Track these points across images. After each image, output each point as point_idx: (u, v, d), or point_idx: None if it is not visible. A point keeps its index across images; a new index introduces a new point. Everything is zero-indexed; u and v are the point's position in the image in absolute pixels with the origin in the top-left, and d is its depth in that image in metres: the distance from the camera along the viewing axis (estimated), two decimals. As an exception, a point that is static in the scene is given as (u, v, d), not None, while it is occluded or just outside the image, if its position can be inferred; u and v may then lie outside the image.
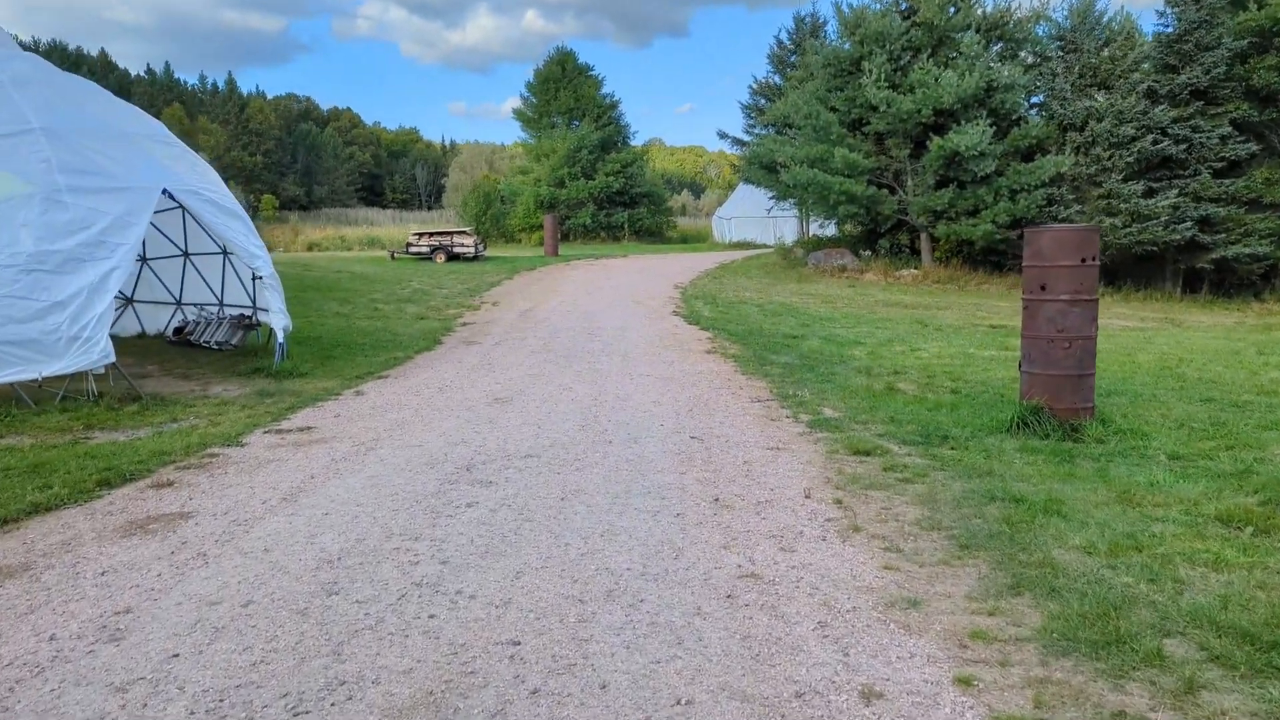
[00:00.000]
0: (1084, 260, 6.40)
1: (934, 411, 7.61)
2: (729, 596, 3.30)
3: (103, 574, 3.56)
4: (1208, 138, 20.65)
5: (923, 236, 23.32)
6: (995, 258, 22.97)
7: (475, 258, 26.01)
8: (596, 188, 38.94)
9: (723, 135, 33.16)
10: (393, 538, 3.98)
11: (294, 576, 3.50)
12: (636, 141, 44.94)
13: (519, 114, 42.57)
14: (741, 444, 6.14)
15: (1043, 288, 6.50)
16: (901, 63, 22.11)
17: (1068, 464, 5.50)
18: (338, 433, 6.45)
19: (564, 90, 41.31)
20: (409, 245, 26.17)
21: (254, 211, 43.41)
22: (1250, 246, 20.36)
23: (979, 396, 8.51)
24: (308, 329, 12.90)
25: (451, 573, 3.54)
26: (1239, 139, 20.76)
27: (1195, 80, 20.77)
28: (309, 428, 6.67)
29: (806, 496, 4.67)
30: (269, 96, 77.48)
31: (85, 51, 68.12)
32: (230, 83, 67.10)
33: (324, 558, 3.70)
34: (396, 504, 4.54)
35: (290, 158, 70.53)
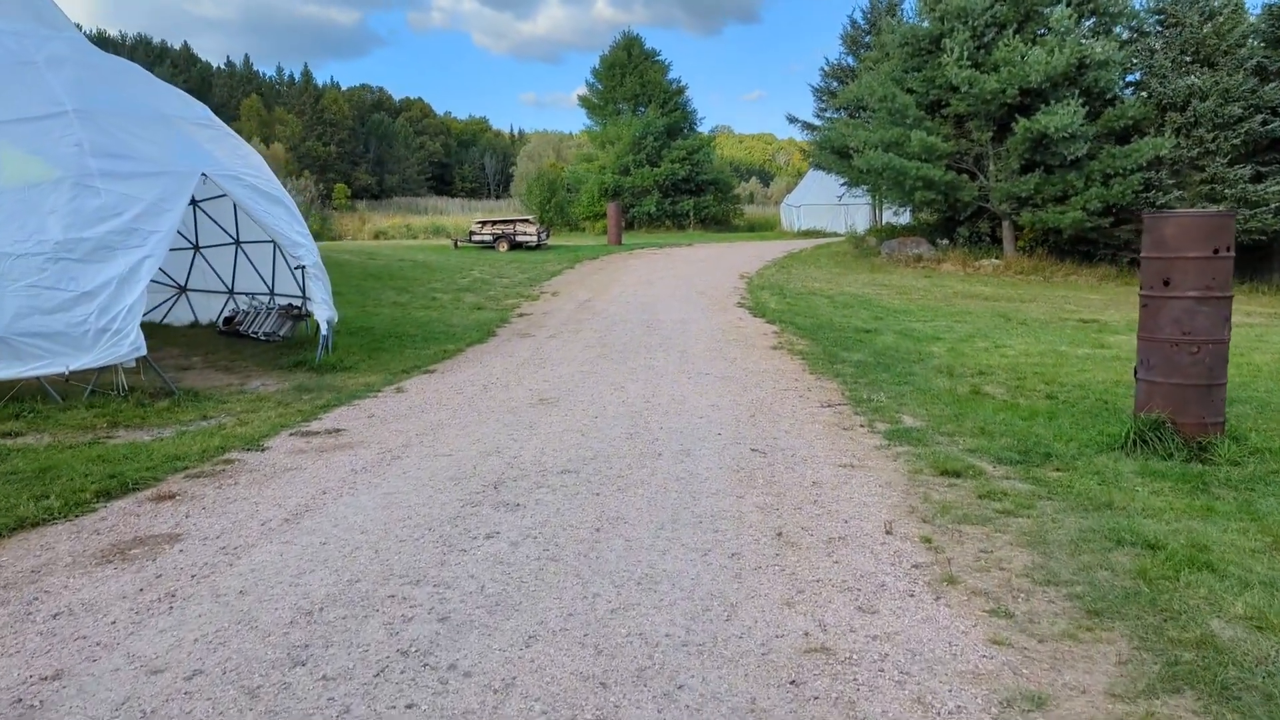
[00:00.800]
0: (1216, 251, 5.46)
1: (1029, 421, 6.73)
2: (793, 683, 2.60)
3: (56, 616, 3.08)
4: (1328, 116, 18.85)
5: (1004, 224, 21.95)
6: (1085, 247, 21.48)
7: (538, 246, 25.61)
8: (662, 175, 38.16)
9: (792, 120, 32.12)
10: (390, 580, 3.40)
11: (262, 634, 2.94)
12: (703, 128, 44.01)
13: (584, 101, 42.02)
14: (809, 459, 5.41)
15: (1166, 283, 5.58)
16: (985, 40, 20.76)
17: (1202, 494, 4.62)
18: (366, 437, 5.94)
19: (630, 76, 40.58)
20: (472, 234, 25.90)
21: (325, 200, 43.97)
22: (1376, 236, 18.53)
23: (1079, 403, 7.58)
24: (361, 319, 12.57)
25: (449, 635, 2.92)
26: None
27: (1315, 53, 18.96)
28: (338, 430, 6.18)
29: (888, 532, 3.93)
30: (343, 88, 78.77)
31: (169, 45, 70.20)
32: (306, 74, 68.42)
33: (304, 607, 3.14)
34: (406, 532, 3.96)
35: (363, 147, 71.58)
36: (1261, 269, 20.41)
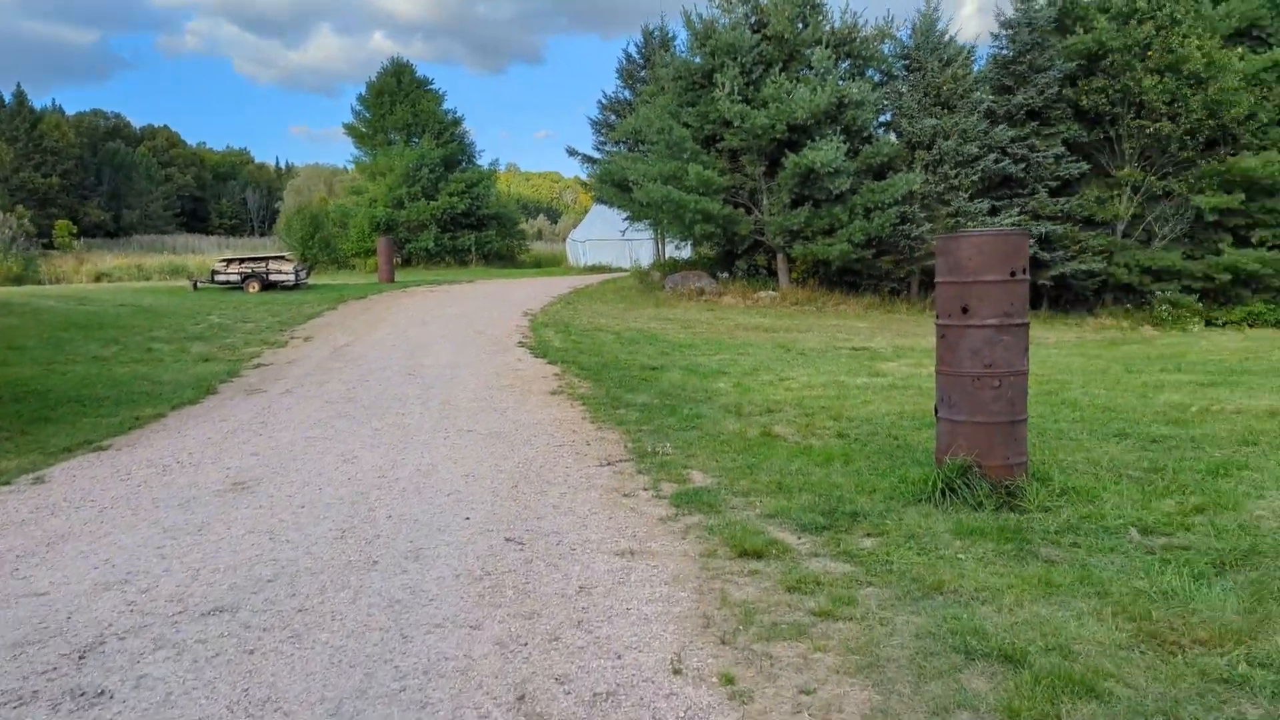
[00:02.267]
0: (1013, 274, 4.97)
1: (826, 468, 6.02)
2: None
3: None
4: (1043, 157, 20.83)
5: (779, 257, 22.43)
6: (851, 277, 22.36)
7: (296, 286, 23.07)
8: (439, 208, 36.32)
9: (572, 153, 31.57)
10: None
11: None
12: (485, 162, 42.64)
13: (351, 129, 39.33)
14: (580, 548, 4.28)
15: (964, 310, 5.02)
16: (754, 76, 21.20)
17: (1031, 558, 3.96)
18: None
19: (400, 104, 38.51)
20: (215, 273, 22.89)
21: (39, 239, 37.96)
22: (1085, 263, 20.59)
23: (870, 442, 7.05)
24: (40, 379, 10.06)
25: None
26: (1070, 159, 21.07)
27: (1030, 101, 20.94)
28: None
29: (676, 672, 2.85)
30: (69, 113, 69.70)
31: None
32: (19, 95, 59.59)
33: None
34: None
35: (95, 179, 63.42)
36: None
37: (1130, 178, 20.58)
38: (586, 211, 50.17)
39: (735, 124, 20.75)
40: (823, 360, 13.12)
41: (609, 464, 6.13)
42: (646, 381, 10.16)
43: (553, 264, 42.84)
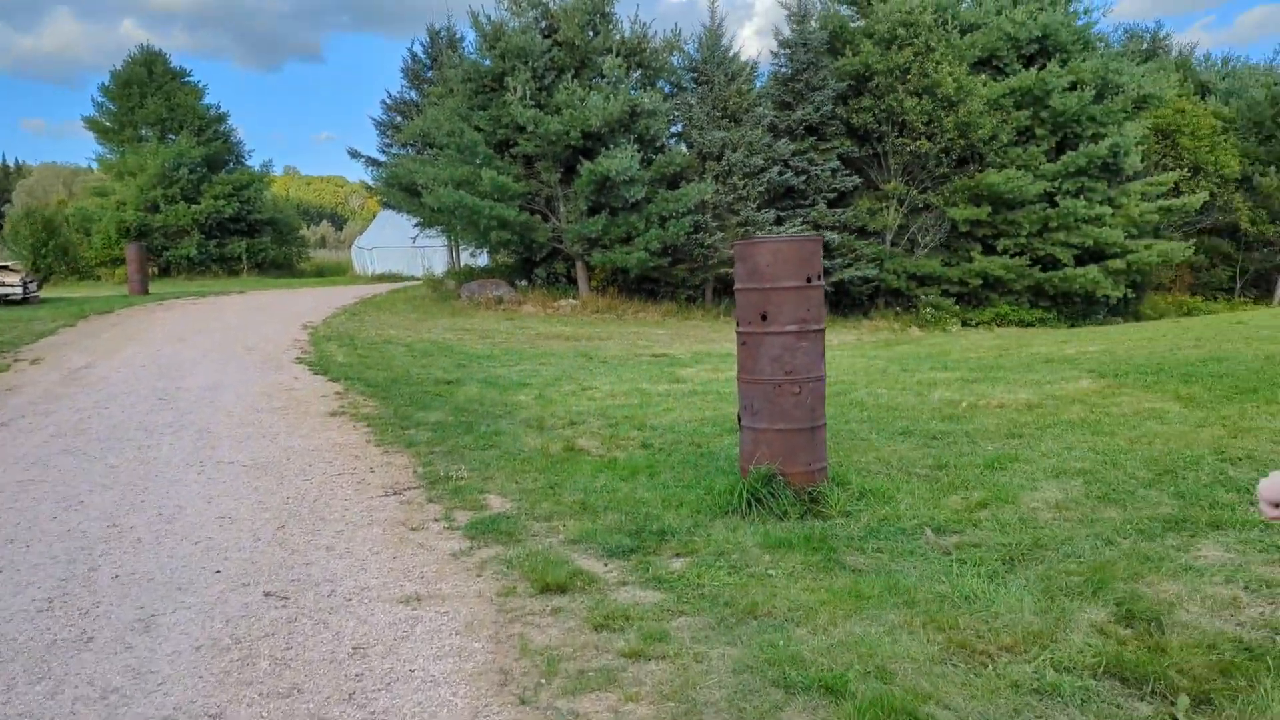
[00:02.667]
0: (809, 280, 4.94)
1: (632, 483, 5.77)
2: None
3: None
4: (821, 170, 22.14)
5: (579, 265, 22.29)
6: (649, 285, 22.64)
7: (25, 300, 20.05)
8: (203, 213, 33.06)
9: (355, 155, 29.78)
10: None
11: None
12: (257, 164, 39.42)
13: (93, 124, 34.91)
14: (357, 597, 3.71)
15: (764, 317, 4.93)
16: (546, 81, 20.92)
17: (840, 569, 3.86)
18: None
19: (152, 97, 34.68)
20: (-87, 287, 19.42)
21: None
22: (860, 270, 22.09)
23: (675, 451, 6.90)
24: None
25: None
26: (845, 172, 22.55)
27: (808, 117, 22.19)
28: None
29: (470, 751, 2.41)
30: None
31: None
32: None
33: None
34: None
35: None
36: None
37: (896, 191, 22.32)
38: (374, 217, 47.83)
39: (529, 129, 20.38)
40: (625, 368, 13.03)
41: (395, 493, 5.52)
42: (441, 397, 9.53)
43: (338, 273, 40.37)
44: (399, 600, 3.65)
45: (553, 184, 21.39)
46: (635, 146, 20.23)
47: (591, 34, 21.63)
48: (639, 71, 22.43)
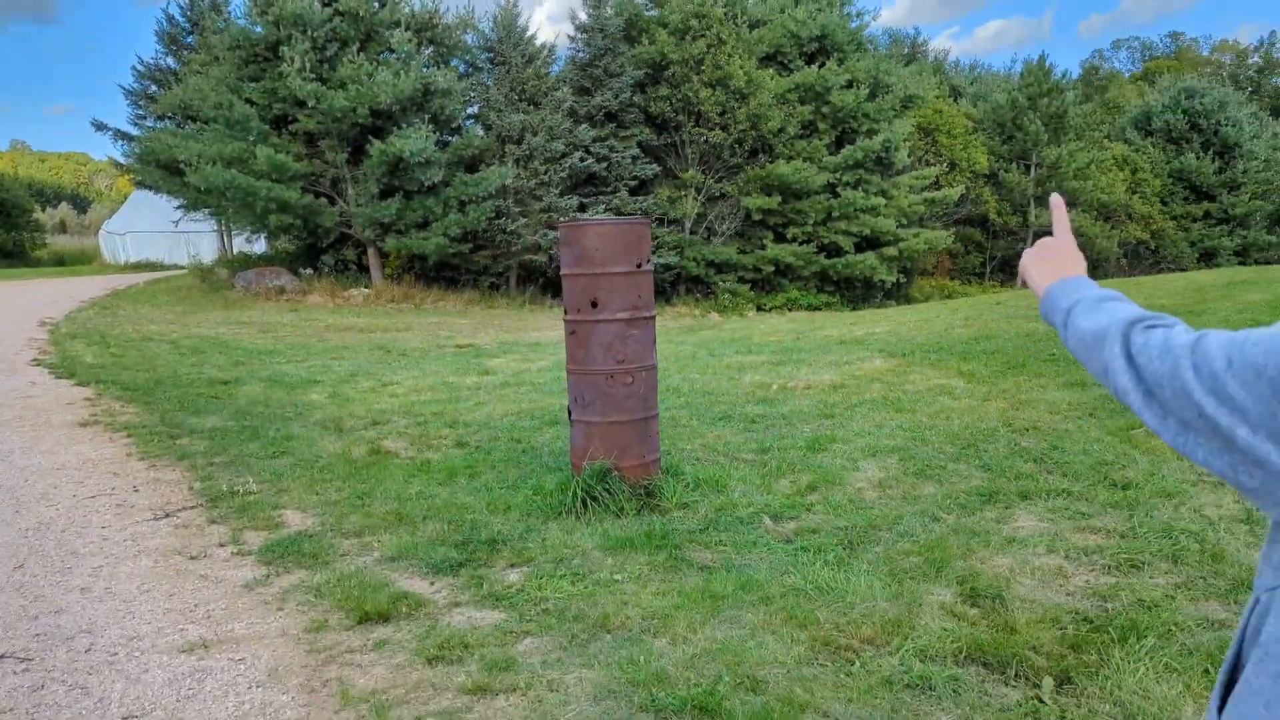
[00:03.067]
0: (639, 265, 4.70)
1: (450, 486, 5.31)
2: None
3: None
4: (622, 157, 22.21)
5: (371, 251, 20.96)
6: (450, 273, 21.75)
7: None
8: (-92, 192, 27.98)
9: (101, 126, 26.02)
10: None
11: None
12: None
13: None
14: (124, 650, 3.03)
15: (594, 304, 4.63)
16: (328, 54, 19.41)
17: (686, 567, 3.66)
18: None
19: None
20: None
21: None
22: (663, 258, 22.44)
23: (494, 449, 6.50)
24: None
25: None
26: (645, 160, 22.78)
27: (607, 104, 22.17)
28: None
29: None
30: None
31: None
32: None
33: None
34: None
35: None
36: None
37: (694, 180, 22.83)
38: (125, 199, 42.73)
39: (310, 104, 18.83)
40: (427, 361, 12.34)
41: (168, 515, 4.71)
42: (217, 400, 8.47)
43: (82, 262, 35.71)
44: (180, 649, 3.01)
45: (340, 164, 19.93)
46: (430, 127, 19.26)
47: (377, 5, 20.31)
48: (431, 49, 21.38)
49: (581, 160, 21.15)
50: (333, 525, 4.49)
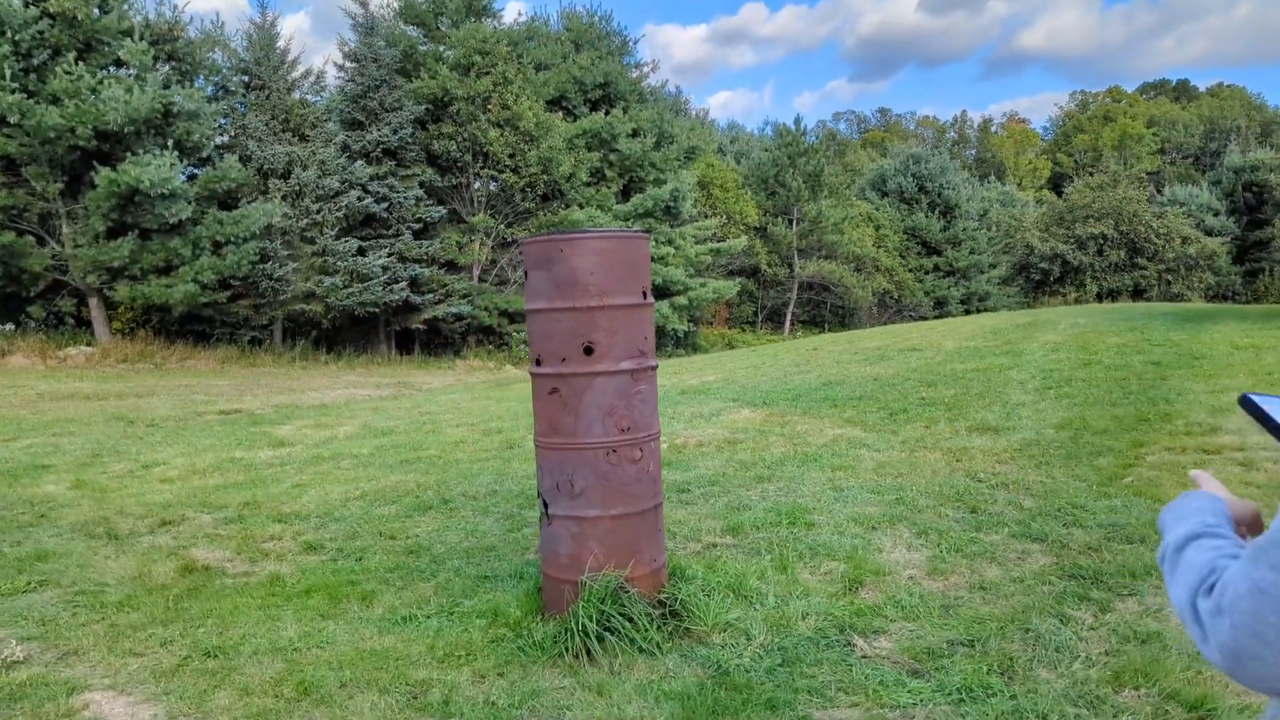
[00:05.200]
0: (645, 294, 3.45)
1: (345, 620, 3.68)
2: None
3: None
4: (404, 198, 20.39)
5: (94, 302, 17.27)
6: (200, 326, 18.51)
7: None
8: None
9: None
10: None
11: None
12: None
13: None
14: None
15: (588, 350, 3.29)
16: (36, 61, 15.89)
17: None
18: None
19: None
20: None
21: None
22: (454, 306, 20.78)
23: (365, 552, 4.87)
24: None
25: None
26: (429, 202, 21.09)
27: (385, 140, 20.30)
28: None
29: None
30: None
31: None
32: None
33: None
34: None
35: None
36: (370, 340, 20.92)
37: (483, 224, 21.42)
38: None
39: (13, 121, 15.24)
40: (189, 433, 9.97)
41: None
42: (-96, 506, 5.89)
43: None
44: None
45: (52, 196, 16.28)
46: (174, 154, 16.31)
47: (98, 11, 17.05)
48: (170, 64, 18.34)
49: (360, 199, 19.02)
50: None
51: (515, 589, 3.78)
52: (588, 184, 22.57)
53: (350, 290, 18.31)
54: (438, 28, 23.00)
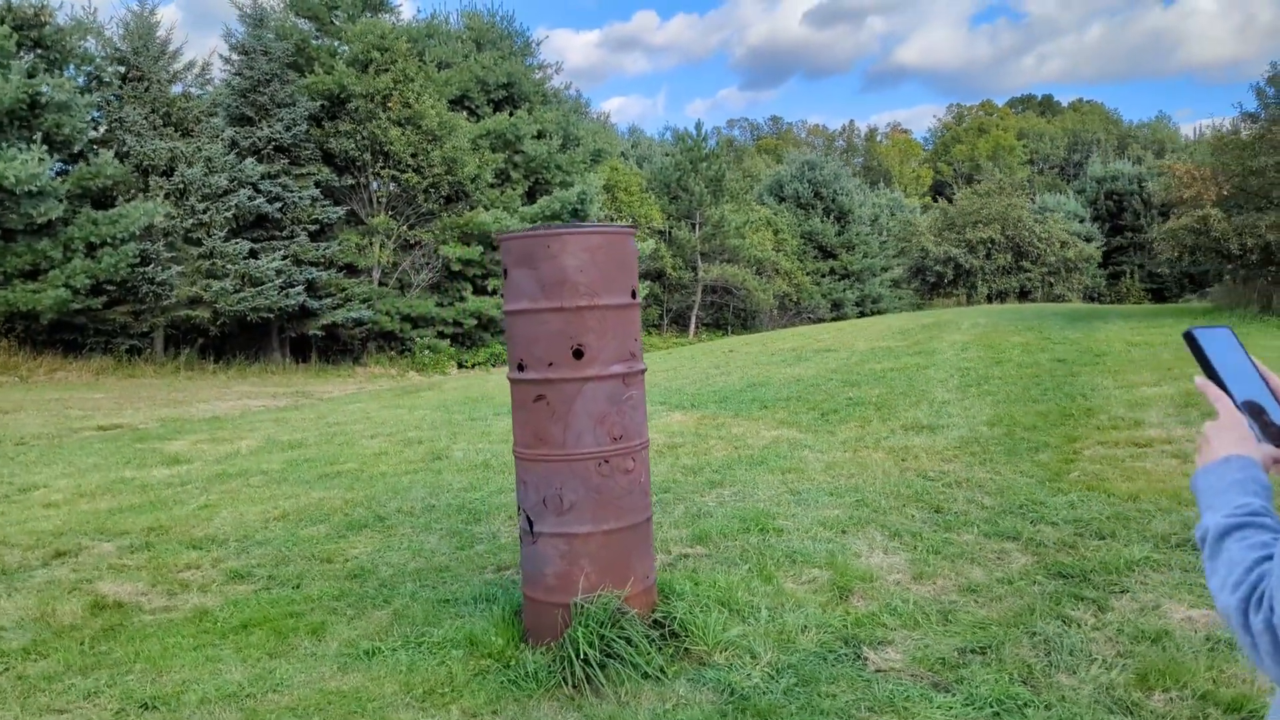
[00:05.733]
0: (633, 294, 3.23)
1: (297, 657, 3.34)
2: None
3: None
4: (299, 198, 19.39)
5: (-53, 308, 15.64)
6: (72, 334, 17.04)
7: None
8: None
9: None
10: None
11: None
12: None
13: None
14: None
15: (578, 353, 3.05)
16: (-124, 42, 14.29)
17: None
18: None
19: None
20: None
21: None
22: (354, 311, 19.90)
23: (304, 579, 4.50)
24: None
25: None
26: (325, 202, 20.14)
27: (278, 136, 19.26)
28: None
29: None
30: None
31: None
32: None
33: None
34: None
35: None
36: (264, 348, 19.79)
37: (383, 225, 20.61)
38: None
39: None
40: (69, 451, 9.16)
41: None
42: None
43: None
44: None
45: (-104, 191, 14.65)
46: (43, 148, 14.96)
47: (-48, -9, 15.50)
48: (36, 52, 16.85)
49: (250, 199, 17.95)
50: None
51: (488, 614, 3.49)
52: (492, 185, 22.06)
53: (242, 295, 17.24)
54: (331, 22, 22.03)
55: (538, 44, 25.92)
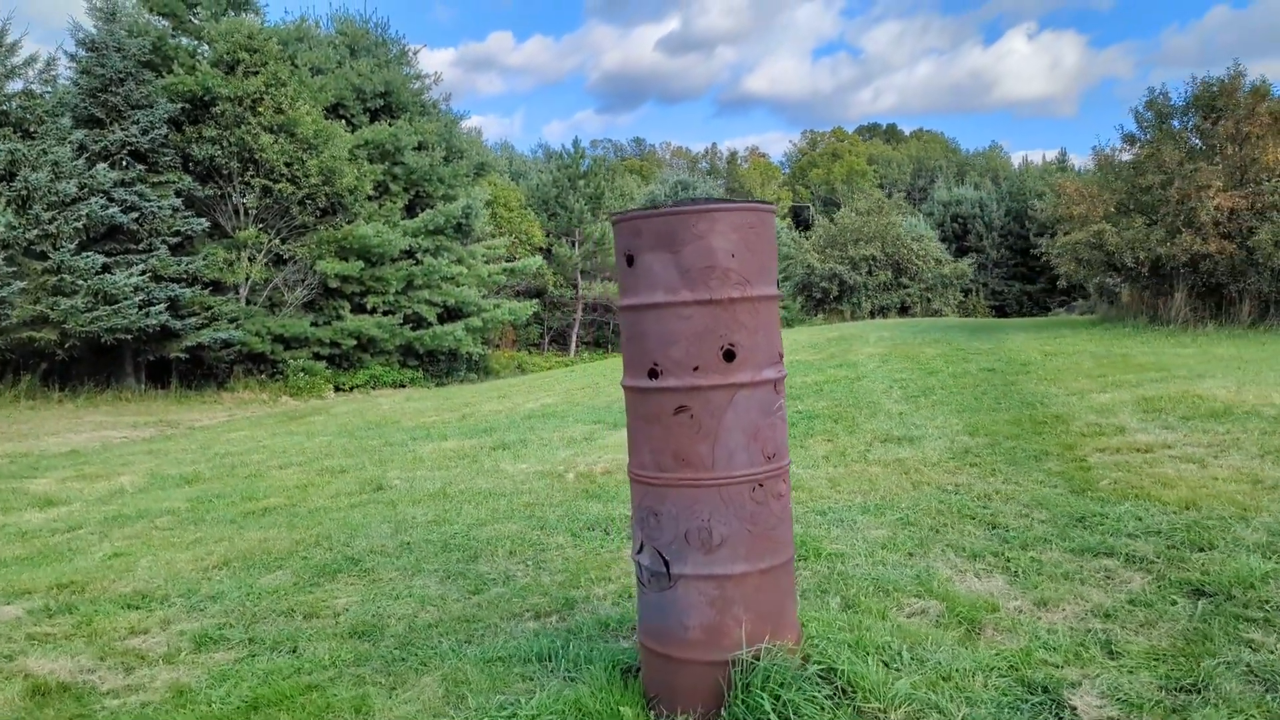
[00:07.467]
0: (777, 284, 2.73)
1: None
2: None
3: None
4: (158, 208, 17.51)
5: None
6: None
7: None
8: None
9: None
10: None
11: None
12: None
13: None
14: None
15: (729, 354, 2.51)
16: None
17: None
18: None
19: None
20: None
21: None
22: (220, 331, 18.14)
23: (304, 641, 3.78)
24: None
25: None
26: (187, 213, 18.30)
27: (133, 141, 17.35)
28: None
29: None
30: None
31: None
32: None
33: None
34: None
35: None
36: (117, 371, 17.66)
37: (252, 239, 18.94)
38: None
39: None
40: None
41: None
42: None
43: None
44: None
45: None
46: None
47: None
48: None
49: (103, 207, 16.00)
50: None
51: (585, 676, 2.85)
52: (371, 198, 20.78)
53: (96, 314, 15.29)
54: (191, 20, 20.18)
55: (414, 53, 24.79)
